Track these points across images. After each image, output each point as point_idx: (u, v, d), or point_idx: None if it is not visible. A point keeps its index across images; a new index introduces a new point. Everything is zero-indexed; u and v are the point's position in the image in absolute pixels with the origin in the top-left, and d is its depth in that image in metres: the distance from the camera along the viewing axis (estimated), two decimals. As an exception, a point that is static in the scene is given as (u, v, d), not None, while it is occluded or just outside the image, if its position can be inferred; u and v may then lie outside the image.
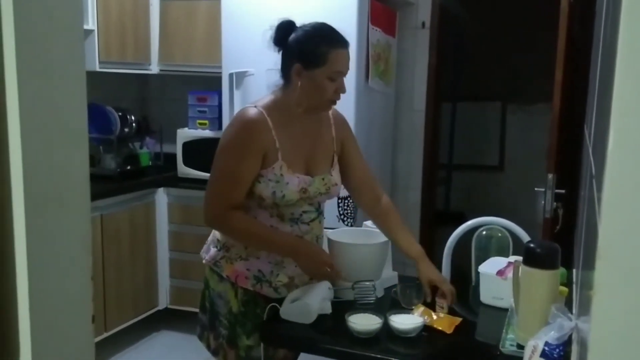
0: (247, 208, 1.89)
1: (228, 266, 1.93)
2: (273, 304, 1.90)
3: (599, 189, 0.76)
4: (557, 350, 1.38)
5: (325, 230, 2.12)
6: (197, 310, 2.10)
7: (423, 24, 3.61)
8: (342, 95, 1.90)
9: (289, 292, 1.91)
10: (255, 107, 1.88)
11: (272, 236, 1.89)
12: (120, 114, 3.72)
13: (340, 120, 2.06)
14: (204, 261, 2.01)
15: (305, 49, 1.83)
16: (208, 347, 2.04)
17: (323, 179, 1.94)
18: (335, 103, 1.91)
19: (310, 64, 1.81)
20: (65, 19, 0.97)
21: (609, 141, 0.62)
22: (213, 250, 1.98)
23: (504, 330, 1.73)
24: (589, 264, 0.83)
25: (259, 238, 1.88)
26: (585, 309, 0.92)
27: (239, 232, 1.88)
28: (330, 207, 2.19)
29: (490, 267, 2.03)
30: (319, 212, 1.99)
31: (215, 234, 2.03)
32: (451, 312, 1.91)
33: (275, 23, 1.88)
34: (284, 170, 1.85)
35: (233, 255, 1.93)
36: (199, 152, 3.66)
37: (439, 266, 2.56)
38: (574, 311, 1.54)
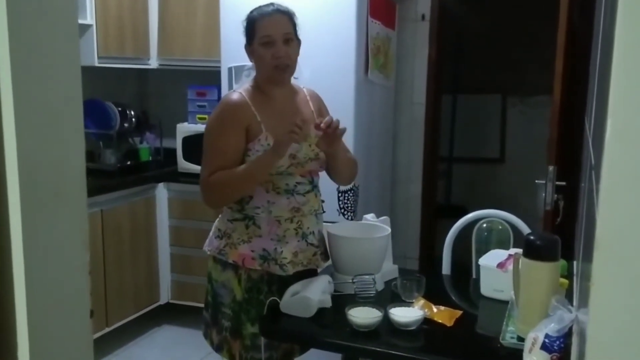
0: None
1: (233, 252, 1.98)
2: (273, 298, 1.91)
3: (598, 180, 0.75)
4: (558, 342, 1.38)
5: (325, 224, 2.13)
6: (198, 304, 2.12)
7: (423, 17, 3.60)
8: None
9: (294, 269, 1.97)
10: (235, 90, 2.04)
11: (248, 166, 1.91)
12: (119, 109, 3.72)
13: (314, 95, 2.15)
14: (208, 252, 2.05)
15: (245, 31, 2.02)
16: (212, 344, 2.07)
17: (310, 145, 1.97)
18: (281, 69, 1.96)
19: (249, 40, 2.00)
20: (59, 13, 0.96)
21: (607, 131, 0.61)
22: (215, 240, 2.04)
23: (504, 323, 1.73)
24: (589, 255, 0.82)
25: (239, 175, 1.90)
26: (584, 300, 0.91)
27: (221, 185, 1.92)
28: (331, 201, 2.19)
29: (490, 259, 2.03)
30: (313, 185, 2.05)
31: (215, 225, 2.08)
32: (452, 305, 1.91)
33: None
34: (270, 140, 1.92)
35: (235, 241, 1.98)
36: (199, 146, 3.60)
37: (439, 259, 2.57)
38: (574, 303, 1.53)
